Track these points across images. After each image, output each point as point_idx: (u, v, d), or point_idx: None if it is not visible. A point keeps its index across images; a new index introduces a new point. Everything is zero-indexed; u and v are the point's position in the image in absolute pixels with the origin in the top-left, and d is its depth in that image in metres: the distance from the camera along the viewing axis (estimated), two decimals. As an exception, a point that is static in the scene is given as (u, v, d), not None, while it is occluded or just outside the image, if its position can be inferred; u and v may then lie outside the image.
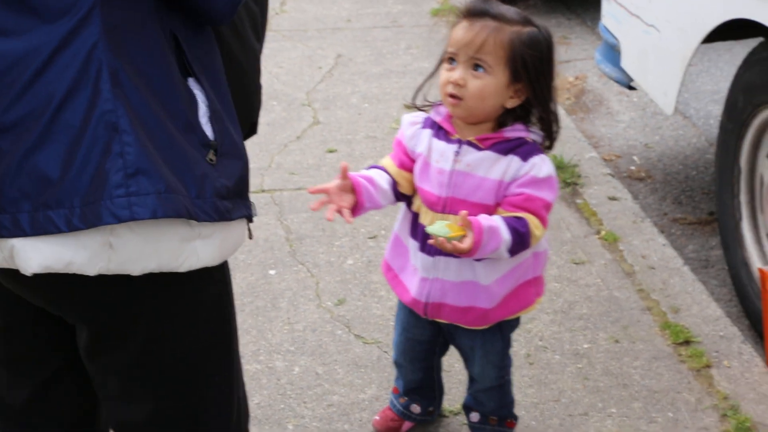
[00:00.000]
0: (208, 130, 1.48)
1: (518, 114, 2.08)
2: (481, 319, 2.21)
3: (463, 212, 1.98)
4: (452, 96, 2.03)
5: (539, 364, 2.83)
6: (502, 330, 2.29)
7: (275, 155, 4.13)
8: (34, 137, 1.37)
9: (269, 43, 5.21)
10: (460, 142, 2.09)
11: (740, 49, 5.18)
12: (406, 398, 2.51)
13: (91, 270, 1.41)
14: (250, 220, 1.57)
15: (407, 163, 2.17)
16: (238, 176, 1.50)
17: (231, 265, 3.32)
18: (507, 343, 2.34)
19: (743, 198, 3.26)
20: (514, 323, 2.32)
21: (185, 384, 1.57)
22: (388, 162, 2.20)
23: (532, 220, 2.05)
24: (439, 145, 2.11)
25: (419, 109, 2.19)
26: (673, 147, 4.47)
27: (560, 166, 3.91)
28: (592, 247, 3.40)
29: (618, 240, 3.43)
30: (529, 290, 2.22)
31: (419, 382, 2.48)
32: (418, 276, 2.19)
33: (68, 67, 1.38)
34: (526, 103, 2.07)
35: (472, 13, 2.04)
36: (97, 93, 1.38)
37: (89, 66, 1.38)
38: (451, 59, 2.05)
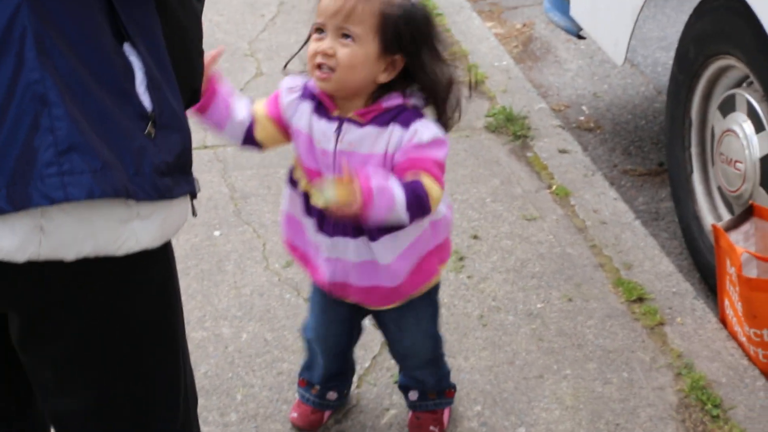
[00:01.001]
0: (145, 100, 1.36)
1: (394, 88, 1.97)
2: (385, 299, 2.11)
3: (350, 175, 1.82)
4: (320, 67, 1.91)
5: (492, 326, 2.78)
6: (429, 293, 2.20)
7: (217, 109, 4.00)
8: None
9: (209, -9, 5.05)
10: (340, 119, 1.97)
11: (687, -6, 5.14)
12: (318, 387, 2.39)
13: (21, 257, 1.31)
14: (194, 196, 1.47)
15: (277, 119, 2.05)
16: (179, 150, 1.40)
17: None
18: (436, 308, 2.26)
19: (694, 150, 3.23)
20: (438, 285, 2.23)
21: (128, 373, 1.48)
22: (259, 106, 2.08)
23: (425, 179, 1.92)
24: (321, 125, 1.99)
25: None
26: (622, 96, 4.42)
27: (510, 118, 3.85)
28: (544, 203, 3.35)
29: (569, 194, 3.38)
30: (432, 260, 2.12)
31: (337, 368, 2.37)
32: (321, 255, 2.09)
33: None
34: (401, 77, 1.96)
35: None
36: (21, 62, 1.26)
37: (11, 32, 1.26)
38: (320, 30, 1.93)
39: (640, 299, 2.86)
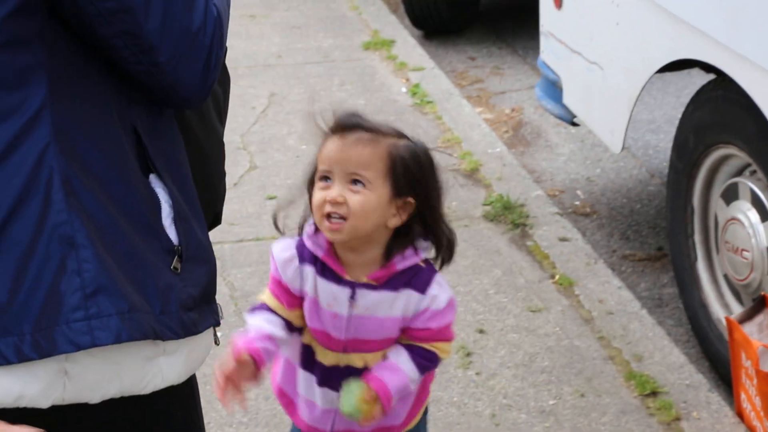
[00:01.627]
0: (172, 234, 1.34)
1: (402, 236, 1.88)
2: None
3: (368, 392, 1.84)
4: (330, 217, 1.79)
5: (505, 425, 2.73)
6: (425, 413, 2.13)
7: (212, 204, 3.97)
8: None
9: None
10: (352, 285, 1.87)
11: (672, 78, 5.19)
12: None
13: (45, 403, 1.26)
14: (217, 324, 1.43)
15: (295, 303, 1.91)
16: (205, 282, 1.37)
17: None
18: (426, 420, 2.15)
19: (698, 238, 3.22)
20: (426, 410, 2.14)
21: None
22: (275, 303, 1.92)
23: (441, 348, 1.93)
24: (329, 287, 1.87)
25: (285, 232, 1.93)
26: (615, 180, 4.43)
27: (507, 206, 3.84)
28: (548, 293, 3.32)
29: (573, 284, 3.36)
30: (425, 388, 2.06)
31: None
32: (319, 407, 1.98)
33: (15, 176, 1.23)
34: (409, 222, 1.87)
35: (343, 127, 1.84)
36: (48, 203, 1.23)
37: (39, 173, 1.23)
38: (326, 177, 1.81)
39: (654, 393, 2.82)
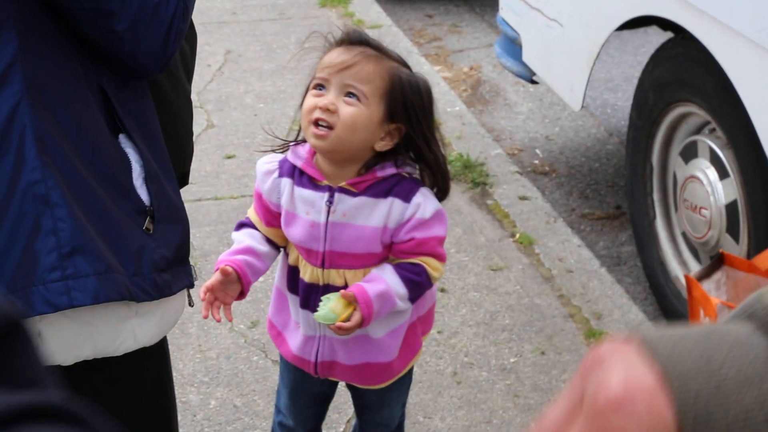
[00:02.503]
0: (143, 194, 1.32)
1: (386, 157, 1.86)
2: (377, 377, 2.01)
3: (345, 292, 1.80)
4: (318, 123, 1.78)
5: (467, 383, 2.74)
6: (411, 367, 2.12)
7: (169, 163, 3.91)
8: None
9: (153, 40, 4.97)
10: (330, 189, 1.85)
11: (629, 36, 5.20)
12: None
13: None
14: (191, 286, 1.41)
15: (273, 220, 1.93)
16: (178, 242, 1.35)
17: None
18: (412, 377, 2.16)
19: (656, 196, 3.24)
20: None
21: None
22: (255, 218, 1.95)
23: (430, 263, 1.87)
24: (305, 194, 1.86)
25: (273, 151, 1.94)
26: (574, 138, 4.44)
27: (467, 165, 3.83)
28: (508, 251, 3.33)
29: (533, 242, 3.36)
30: (415, 332, 2.03)
31: None
32: (301, 333, 1.97)
33: None
34: (395, 149, 1.85)
35: (349, 40, 1.83)
36: (21, 161, 1.20)
37: (10, 130, 1.20)
38: (320, 86, 1.80)
39: (613, 350, 2.83)
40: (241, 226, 1.97)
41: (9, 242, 1.19)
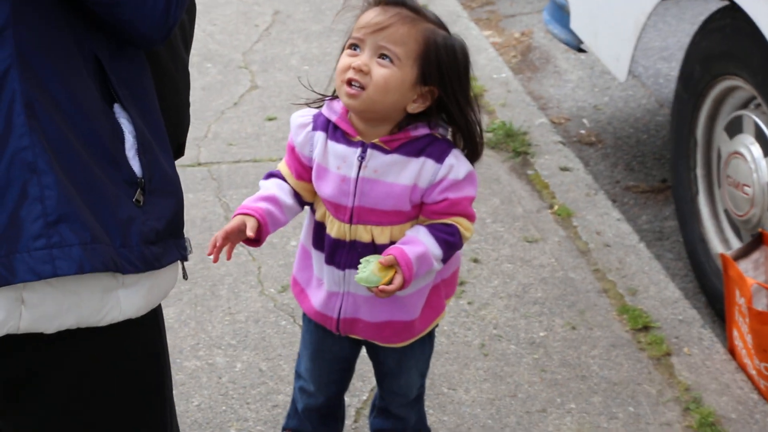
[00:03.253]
0: (135, 165, 1.30)
1: (419, 118, 1.86)
2: (399, 335, 2.02)
3: (389, 257, 1.82)
4: (351, 83, 1.79)
5: (494, 355, 2.71)
6: (431, 332, 2.12)
7: (212, 124, 3.92)
8: None
9: (202, -1, 4.96)
10: (363, 144, 1.86)
11: (687, 4, 5.06)
12: None
13: (0, 331, 1.23)
14: (184, 259, 1.39)
15: (304, 174, 1.94)
16: (170, 215, 1.33)
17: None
18: (433, 346, 2.16)
19: (699, 171, 3.16)
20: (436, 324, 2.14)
21: None
22: (285, 171, 1.97)
23: (461, 223, 1.89)
24: (338, 148, 1.88)
25: (307, 105, 1.95)
26: (623, 108, 4.34)
27: (509, 134, 3.77)
28: (545, 223, 3.28)
29: (571, 215, 3.30)
30: (439, 294, 2.05)
31: (330, 409, 2.23)
32: (325, 290, 1.99)
33: None
34: (428, 111, 1.86)
35: (386, 0, 1.81)
36: (9, 127, 1.19)
37: (1, 95, 1.19)
38: (355, 46, 1.81)
39: (646, 328, 2.79)
40: (270, 176, 2.00)
41: None
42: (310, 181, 1.94)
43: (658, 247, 3.41)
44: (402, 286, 1.83)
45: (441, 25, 1.86)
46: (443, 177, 1.85)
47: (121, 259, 1.24)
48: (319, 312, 2.03)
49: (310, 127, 1.91)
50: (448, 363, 2.68)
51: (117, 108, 1.29)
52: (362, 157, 1.86)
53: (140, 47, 1.33)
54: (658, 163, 3.91)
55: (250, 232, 1.86)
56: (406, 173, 1.85)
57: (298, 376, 2.22)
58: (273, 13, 4.96)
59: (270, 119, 3.95)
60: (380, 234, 1.90)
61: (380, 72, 1.78)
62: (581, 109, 4.34)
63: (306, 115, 1.94)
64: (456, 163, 1.86)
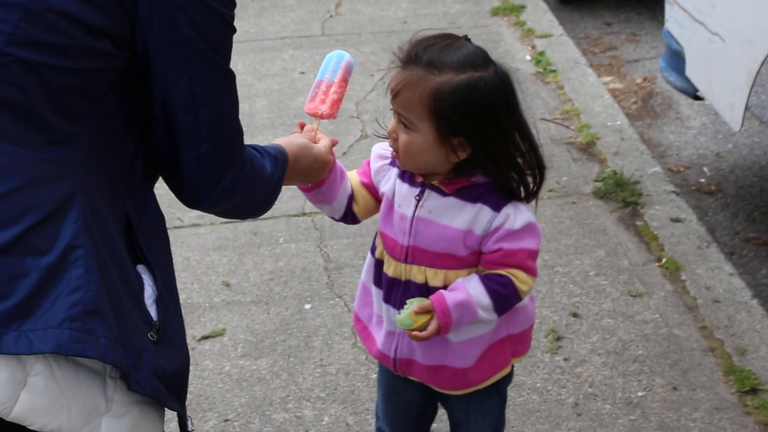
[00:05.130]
0: (152, 311, 1.37)
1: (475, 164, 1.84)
2: (453, 381, 1.97)
3: (425, 302, 1.82)
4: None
5: (587, 415, 2.60)
6: (499, 386, 2.05)
7: (320, 173, 3.94)
8: None
9: (321, 49, 5.03)
10: (423, 185, 1.87)
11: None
12: None
13: None
14: (184, 428, 1.41)
15: (370, 186, 1.98)
16: (178, 366, 1.39)
17: (266, 298, 3.18)
18: (504, 401, 2.10)
19: (819, 224, 2.98)
20: (509, 377, 2.07)
21: None
22: (353, 175, 2.01)
23: (517, 276, 1.84)
24: (403, 188, 1.90)
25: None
26: (748, 156, 4.16)
27: (620, 183, 3.66)
28: (652, 277, 3.15)
29: (680, 268, 3.17)
30: (503, 349, 1.98)
31: None
32: (384, 328, 1.99)
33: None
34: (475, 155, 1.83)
35: (406, 60, 1.79)
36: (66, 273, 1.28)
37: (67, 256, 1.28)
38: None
39: (754, 390, 2.63)
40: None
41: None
42: (369, 193, 1.98)
43: (776, 303, 3.23)
44: (438, 332, 1.82)
45: (464, 66, 1.76)
46: (499, 226, 1.82)
47: (130, 377, 1.29)
48: (380, 351, 2.03)
49: (387, 161, 1.96)
50: (539, 422, 2.59)
51: (141, 268, 1.39)
52: (420, 197, 1.88)
53: (186, 202, 1.44)
54: (782, 213, 3.72)
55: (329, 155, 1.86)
56: (460, 217, 1.84)
57: (376, 416, 2.23)
58: (389, 63, 4.98)
59: (378, 169, 3.95)
60: (434, 276, 1.89)
61: (403, 138, 1.81)
62: (702, 157, 4.18)
63: (387, 149, 1.96)
64: (513, 212, 1.82)
